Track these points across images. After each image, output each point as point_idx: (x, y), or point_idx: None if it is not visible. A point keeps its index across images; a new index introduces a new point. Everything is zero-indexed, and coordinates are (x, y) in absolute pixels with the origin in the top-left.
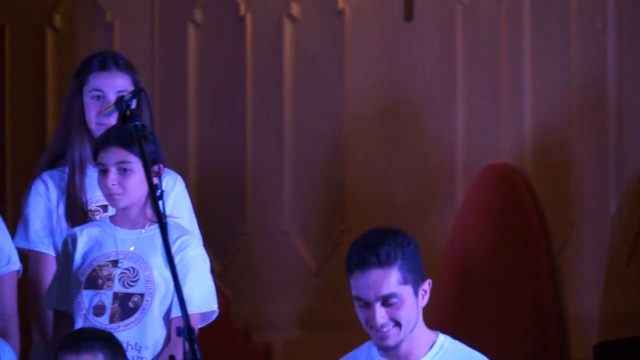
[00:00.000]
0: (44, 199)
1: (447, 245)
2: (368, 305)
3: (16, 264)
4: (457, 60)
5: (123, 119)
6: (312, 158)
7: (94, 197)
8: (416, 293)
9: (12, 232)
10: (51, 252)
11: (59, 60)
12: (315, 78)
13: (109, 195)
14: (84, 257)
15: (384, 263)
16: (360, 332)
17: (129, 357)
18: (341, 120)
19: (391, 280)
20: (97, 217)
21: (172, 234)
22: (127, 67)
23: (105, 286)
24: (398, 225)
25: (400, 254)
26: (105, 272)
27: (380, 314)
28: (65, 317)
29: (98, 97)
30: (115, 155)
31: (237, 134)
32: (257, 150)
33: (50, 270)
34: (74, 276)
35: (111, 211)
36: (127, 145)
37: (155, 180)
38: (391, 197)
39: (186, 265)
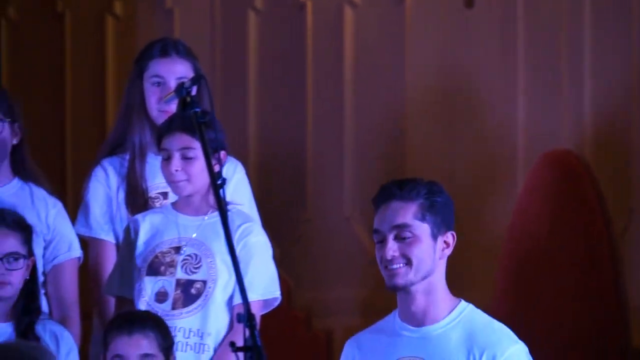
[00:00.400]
0: (104, 186)
1: (507, 230)
2: (383, 241)
3: (77, 251)
4: (517, 46)
5: (183, 105)
6: (372, 144)
7: (154, 184)
8: (434, 237)
9: (73, 219)
10: (111, 238)
11: (119, 47)
12: (376, 64)
13: (172, 182)
14: (146, 243)
15: (405, 196)
16: None
17: (191, 344)
18: (402, 107)
19: (408, 212)
20: (157, 205)
21: (235, 221)
22: (187, 54)
23: (167, 273)
24: (458, 212)
25: (425, 193)
26: (167, 259)
27: (392, 246)
28: (126, 303)
29: (158, 84)
30: (179, 141)
31: (297, 120)
32: (318, 136)
33: (110, 257)
34: (136, 263)
35: (171, 198)
36: (192, 131)
37: (218, 168)
38: (451, 182)
39: (249, 252)
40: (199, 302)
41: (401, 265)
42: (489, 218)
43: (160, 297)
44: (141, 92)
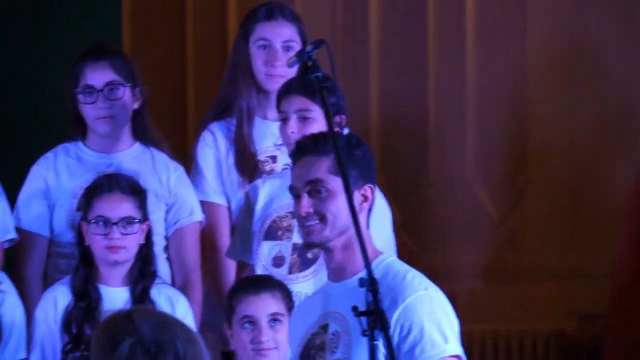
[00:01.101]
0: (213, 150)
1: (630, 196)
2: (299, 196)
3: (198, 215)
4: None
5: (305, 70)
6: (494, 108)
7: (263, 147)
8: (351, 192)
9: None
10: (223, 202)
11: (241, 7)
12: (498, 28)
13: (289, 144)
14: (264, 208)
15: (319, 150)
16: (542, 283)
17: None
18: (524, 71)
19: (321, 166)
20: (267, 168)
21: None
22: (293, 17)
23: (284, 237)
24: (580, 176)
25: (341, 146)
26: (284, 224)
27: (306, 202)
28: (247, 268)
29: (264, 47)
30: (297, 103)
31: (419, 84)
32: (440, 101)
33: (223, 221)
34: (255, 227)
35: (280, 162)
36: (309, 93)
37: (338, 131)
38: (573, 148)
39: None
40: (315, 266)
41: (316, 222)
42: (612, 181)
43: (277, 261)
44: (247, 55)
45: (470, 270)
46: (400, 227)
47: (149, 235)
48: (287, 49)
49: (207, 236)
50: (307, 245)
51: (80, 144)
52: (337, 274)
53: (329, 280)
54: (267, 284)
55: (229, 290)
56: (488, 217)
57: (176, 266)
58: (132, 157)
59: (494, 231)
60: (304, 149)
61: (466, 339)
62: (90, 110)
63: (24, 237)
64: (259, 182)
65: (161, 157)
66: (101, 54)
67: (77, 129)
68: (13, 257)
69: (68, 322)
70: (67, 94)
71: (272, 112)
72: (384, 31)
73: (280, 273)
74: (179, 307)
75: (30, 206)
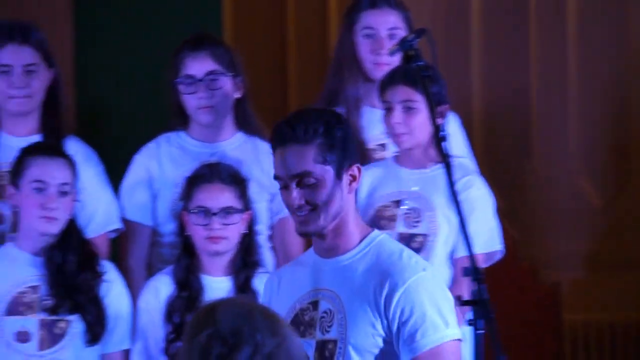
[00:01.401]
0: None
1: None
2: (287, 187)
3: None
4: None
5: (407, 59)
6: (597, 95)
7: (372, 135)
8: (339, 176)
9: None
10: None
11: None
12: (601, 12)
13: (393, 135)
14: (367, 197)
15: (301, 139)
16: None
17: None
18: (628, 55)
19: (307, 157)
20: (376, 156)
21: (456, 174)
22: (397, 5)
23: (388, 226)
24: None
25: (322, 131)
26: (388, 213)
27: (296, 195)
28: None
29: (369, 35)
30: (401, 93)
31: (521, 71)
32: (542, 87)
33: None
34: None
35: (390, 150)
36: (414, 83)
37: (440, 121)
38: None
39: (470, 205)
40: (421, 255)
41: (307, 211)
42: None
43: None
44: (352, 44)
45: (573, 259)
46: (503, 216)
47: (251, 225)
48: (392, 36)
49: None
50: (302, 234)
51: (182, 134)
52: (327, 251)
53: (316, 255)
54: None
55: None
56: (591, 205)
57: (280, 255)
58: (235, 146)
59: (596, 220)
60: (283, 137)
61: (569, 329)
62: (192, 100)
63: (128, 227)
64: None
65: (264, 146)
66: (202, 43)
67: (179, 119)
68: (118, 247)
69: (170, 311)
70: (169, 84)
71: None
72: (485, 18)
73: None
74: None
75: (133, 196)
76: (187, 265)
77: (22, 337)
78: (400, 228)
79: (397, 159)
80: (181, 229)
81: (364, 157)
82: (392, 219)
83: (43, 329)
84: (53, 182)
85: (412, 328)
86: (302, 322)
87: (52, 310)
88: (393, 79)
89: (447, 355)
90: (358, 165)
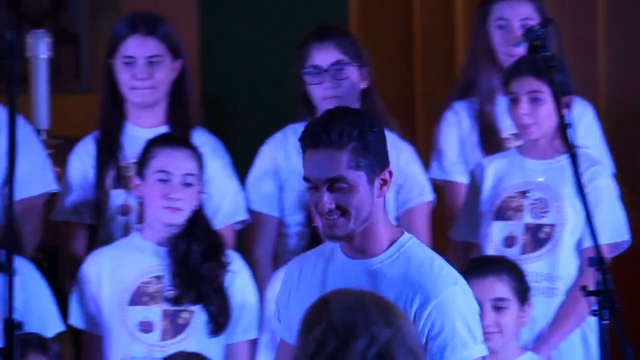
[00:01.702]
0: (457, 129)
1: None
2: (317, 188)
3: (428, 195)
4: None
5: (532, 49)
6: None
7: (506, 125)
8: (371, 182)
9: (424, 164)
10: (464, 180)
11: None
12: None
13: (519, 126)
14: (493, 188)
15: (335, 143)
16: None
17: (541, 288)
18: None
19: (340, 162)
20: (510, 145)
21: (582, 164)
22: None
23: (515, 217)
24: None
25: (356, 135)
26: (514, 203)
27: (327, 199)
28: (473, 248)
29: (502, 26)
30: (527, 84)
31: None
32: None
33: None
34: (483, 207)
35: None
36: (540, 74)
37: (565, 111)
38: None
39: (597, 195)
40: (548, 246)
41: (338, 216)
42: None
43: (509, 241)
44: (486, 35)
45: None
46: (630, 205)
47: None
48: (525, 27)
49: (449, 215)
50: (330, 238)
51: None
52: (355, 252)
53: (343, 254)
54: (496, 266)
55: (462, 270)
56: None
57: None
58: None
59: None
60: (316, 140)
61: None
62: (317, 91)
63: (254, 218)
64: (484, 161)
65: (391, 137)
66: (327, 34)
67: (305, 110)
68: (245, 238)
69: None
70: (295, 75)
71: None
72: (610, 8)
73: (512, 253)
74: None
75: (260, 187)
76: None
77: (145, 327)
78: (528, 219)
79: (522, 150)
80: (309, 219)
81: (498, 146)
82: (519, 209)
83: (166, 319)
84: (177, 172)
85: (441, 343)
86: None
87: (176, 301)
88: (518, 69)
89: None
90: (390, 169)
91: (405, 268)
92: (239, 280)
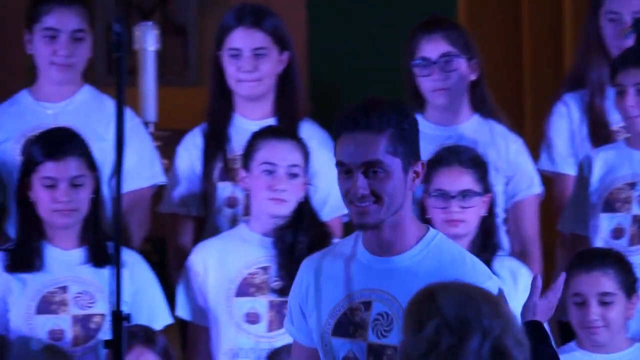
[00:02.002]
0: (566, 121)
1: None
2: (350, 172)
3: (537, 187)
4: None
5: None
6: None
7: (615, 118)
8: (406, 170)
9: (533, 156)
10: (573, 172)
11: None
12: None
13: (626, 118)
14: (601, 180)
15: (374, 126)
16: None
17: None
18: None
19: (379, 146)
20: (619, 138)
21: None
22: None
23: (623, 209)
24: None
25: (395, 122)
26: (622, 195)
27: (362, 183)
28: (581, 240)
29: (614, 20)
30: (634, 76)
31: None
32: None
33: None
34: (592, 199)
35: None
36: None
37: None
38: None
39: None
40: None
41: (371, 202)
42: None
43: (617, 233)
44: (597, 28)
45: None
46: None
47: (492, 208)
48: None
49: (558, 207)
50: (360, 226)
51: (419, 117)
52: (382, 248)
53: (367, 251)
54: (601, 260)
55: (569, 263)
56: None
57: (514, 238)
58: (471, 129)
59: None
60: (354, 122)
61: None
62: (426, 83)
63: None
64: (592, 153)
65: (500, 129)
66: (436, 26)
67: (415, 102)
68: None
69: None
70: (404, 67)
71: None
72: None
73: (620, 245)
74: (520, 280)
75: None
76: None
77: (252, 318)
78: (636, 210)
79: (630, 142)
80: (422, 211)
81: (608, 138)
82: (627, 201)
83: (272, 310)
84: (282, 164)
85: None
86: (351, 322)
87: (282, 292)
88: (625, 61)
89: None
90: (423, 161)
91: (438, 263)
92: None
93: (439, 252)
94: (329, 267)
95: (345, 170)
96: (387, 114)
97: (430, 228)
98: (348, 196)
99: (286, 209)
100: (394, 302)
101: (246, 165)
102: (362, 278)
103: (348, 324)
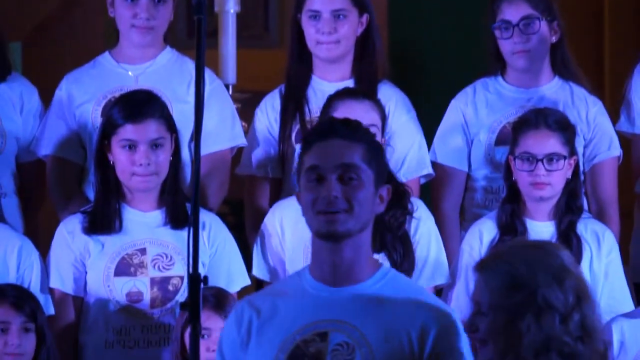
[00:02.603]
0: None
1: None
2: (322, 179)
3: (617, 150)
4: None
5: None
6: None
7: None
8: (376, 187)
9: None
10: None
11: None
12: None
13: None
14: None
15: (351, 136)
16: None
17: None
18: None
19: (355, 152)
20: None
21: None
22: None
23: None
24: None
25: (369, 139)
26: None
27: (335, 186)
28: None
29: None
30: None
31: None
32: None
33: None
34: None
35: None
36: None
37: None
38: None
39: None
40: None
41: (341, 210)
42: None
43: None
44: None
45: None
46: None
47: (576, 170)
48: None
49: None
50: (328, 236)
51: (499, 79)
52: (336, 277)
53: (320, 283)
54: None
55: None
56: None
57: (592, 200)
58: (551, 91)
59: None
60: (331, 130)
61: None
62: (507, 45)
63: (442, 172)
64: None
65: (580, 92)
66: None
67: (496, 64)
68: (430, 192)
69: None
70: (486, 29)
71: None
72: None
73: None
74: (604, 242)
75: (448, 140)
76: (512, 210)
77: None
78: None
79: None
80: (508, 173)
81: None
82: None
83: None
84: None
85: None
86: (306, 354)
87: None
88: None
89: None
90: (389, 187)
91: (399, 291)
92: (423, 226)
93: (396, 282)
94: (270, 306)
95: (316, 176)
96: (362, 129)
97: (383, 264)
98: (315, 205)
99: None
100: (355, 330)
101: None
102: (314, 310)
103: (303, 356)
